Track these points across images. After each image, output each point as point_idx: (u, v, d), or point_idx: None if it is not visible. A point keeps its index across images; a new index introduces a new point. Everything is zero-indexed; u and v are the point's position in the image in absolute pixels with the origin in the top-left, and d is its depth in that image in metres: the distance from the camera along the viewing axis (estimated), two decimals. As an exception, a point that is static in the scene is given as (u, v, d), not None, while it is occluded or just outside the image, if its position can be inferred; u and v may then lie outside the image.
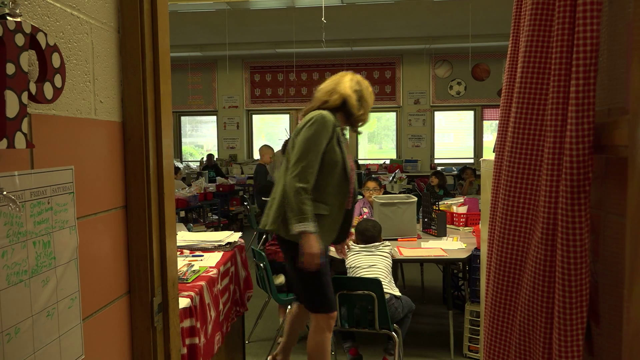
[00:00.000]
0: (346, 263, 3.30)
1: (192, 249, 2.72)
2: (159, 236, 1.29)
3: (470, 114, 10.27)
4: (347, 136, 2.76)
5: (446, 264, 3.74)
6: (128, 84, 1.21)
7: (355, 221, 3.58)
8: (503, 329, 1.21)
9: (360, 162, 9.76)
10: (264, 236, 6.18)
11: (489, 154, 9.19)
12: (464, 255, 3.48)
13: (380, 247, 3.28)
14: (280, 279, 3.64)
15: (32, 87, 0.82)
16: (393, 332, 3.06)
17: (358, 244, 3.34)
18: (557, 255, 0.99)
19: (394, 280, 3.37)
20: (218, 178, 8.41)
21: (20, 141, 0.79)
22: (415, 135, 10.26)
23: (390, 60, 10.19)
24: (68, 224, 0.98)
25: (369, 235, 3.33)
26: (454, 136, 10.63)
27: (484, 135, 10.23)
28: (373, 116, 9.84)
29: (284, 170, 2.55)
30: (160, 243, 1.30)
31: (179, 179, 7.72)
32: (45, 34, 0.85)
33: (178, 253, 1.92)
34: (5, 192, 0.80)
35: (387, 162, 10.15)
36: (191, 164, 10.56)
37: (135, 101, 1.21)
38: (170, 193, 1.34)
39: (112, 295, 1.17)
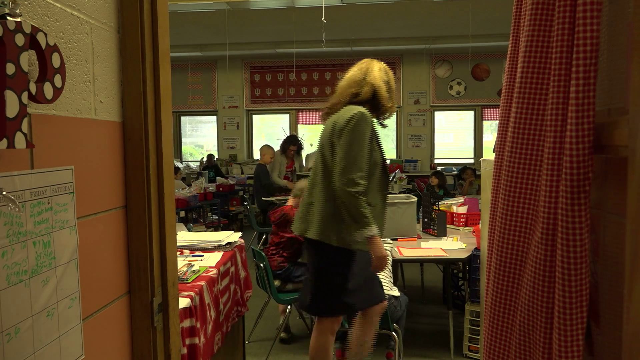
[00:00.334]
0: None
1: (192, 249, 2.72)
2: (159, 236, 1.29)
3: (470, 114, 10.26)
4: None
5: (446, 264, 3.74)
6: (128, 84, 1.21)
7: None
8: (503, 329, 1.21)
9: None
10: (264, 236, 6.18)
11: (489, 154, 9.19)
12: (464, 255, 3.49)
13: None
14: (276, 284, 3.65)
15: (32, 87, 0.82)
16: (393, 332, 3.07)
17: None
18: (557, 255, 0.99)
19: (394, 280, 3.37)
20: (218, 178, 8.41)
21: (20, 141, 0.79)
22: (415, 135, 10.25)
23: (390, 60, 10.18)
24: (68, 224, 0.98)
25: None
26: (454, 136, 10.62)
27: (484, 135, 10.22)
28: (373, 116, 9.79)
29: (322, 173, 2.42)
30: (160, 243, 1.30)
31: (179, 179, 7.72)
32: (45, 34, 0.85)
33: (178, 253, 1.92)
34: (5, 192, 0.80)
35: (387, 162, 10.13)
36: (191, 164, 10.56)
37: (135, 101, 1.21)
38: (170, 193, 1.34)
39: (112, 295, 1.17)
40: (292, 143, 6.77)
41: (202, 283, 2.12)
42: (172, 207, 1.36)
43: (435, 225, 4.05)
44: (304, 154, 7.43)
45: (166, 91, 1.31)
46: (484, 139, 10.23)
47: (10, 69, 0.76)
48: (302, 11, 6.94)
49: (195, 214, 6.83)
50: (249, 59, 10.36)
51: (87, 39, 1.07)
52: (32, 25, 0.82)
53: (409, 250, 3.58)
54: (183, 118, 11.09)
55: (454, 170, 9.17)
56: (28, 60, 0.82)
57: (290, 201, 3.93)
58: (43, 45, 0.84)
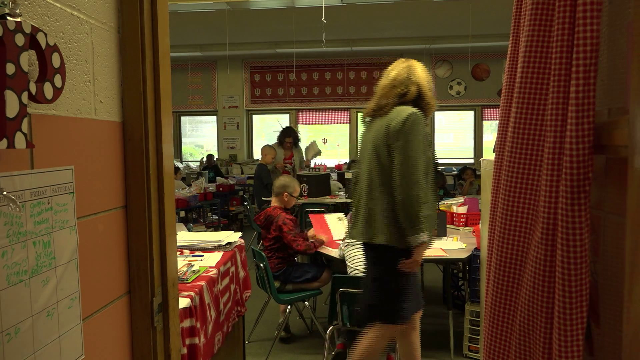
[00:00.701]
0: (346, 259, 3.30)
1: (192, 249, 2.72)
2: (159, 236, 1.29)
3: (470, 114, 10.27)
4: None
5: (446, 264, 3.74)
6: (128, 84, 1.21)
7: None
8: (503, 329, 1.21)
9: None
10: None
11: (489, 154, 9.19)
12: (464, 255, 3.48)
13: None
14: (276, 284, 3.65)
15: (32, 87, 0.82)
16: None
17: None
18: (557, 255, 0.99)
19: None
20: (218, 178, 8.41)
21: (20, 141, 0.79)
22: (416, 135, 10.24)
23: (390, 60, 10.10)
24: (68, 224, 0.98)
25: None
26: (454, 136, 10.62)
27: (484, 135, 10.22)
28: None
29: (379, 176, 2.37)
30: (160, 243, 1.30)
31: (179, 179, 7.72)
32: (45, 34, 0.85)
33: (178, 253, 1.92)
34: (5, 192, 0.80)
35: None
36: (191, 164, 10.56)
37: (135, 101, 1.21)
38: (170, 193, 1.34)
39: (112, 295, 1.17)
40: (287, 135, 6.81)
41: (202, 283, 2.12)
42: (172, 207, 1.36)
43: (435, 225, 4.04)
44: (302, 146, 7.44)
45: (166, 91, 1.31)
46: (484, 139, 10.23)
47: (10, 69, 0.76)
48: (302, 11, 6.94)
49: (195, 214, 6.83)
50: (249, 59, 10.36)
51: (87, 39, 1.07)
52: (32, 25, 0.82)
53: (409, 250, 3.57)
54: (183, 118, 11.09)
55: (454, 170, 9.17)
56: (28, 60, 0.82)
57: (274, 201, 3.92)
58: (43, 45, 0.84)
